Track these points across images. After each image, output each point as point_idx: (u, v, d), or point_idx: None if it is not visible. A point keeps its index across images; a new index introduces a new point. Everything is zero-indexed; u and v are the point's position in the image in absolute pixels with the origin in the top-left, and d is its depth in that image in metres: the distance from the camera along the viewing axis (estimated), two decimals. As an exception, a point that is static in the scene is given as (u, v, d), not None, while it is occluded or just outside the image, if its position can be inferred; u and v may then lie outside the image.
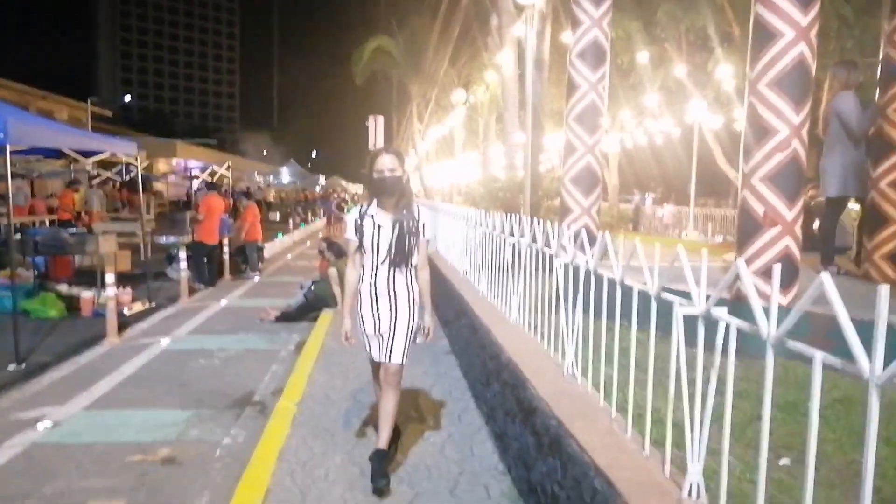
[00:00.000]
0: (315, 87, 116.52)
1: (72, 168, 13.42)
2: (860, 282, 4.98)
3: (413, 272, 3.51)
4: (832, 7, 10.98)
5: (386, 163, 3.38)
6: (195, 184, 22.72)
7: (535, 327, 3.72)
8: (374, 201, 3.46)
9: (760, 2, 3.67)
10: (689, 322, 2.01)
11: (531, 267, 3.80)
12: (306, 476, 3.60)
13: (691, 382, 2.00)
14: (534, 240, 3.60)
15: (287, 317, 8.39)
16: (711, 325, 1.90)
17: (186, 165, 23.60)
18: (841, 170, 5.16)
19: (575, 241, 3.10)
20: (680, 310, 2.00)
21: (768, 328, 1.62)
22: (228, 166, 18.49)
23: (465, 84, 21.22)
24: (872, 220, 5.01)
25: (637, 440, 2.27)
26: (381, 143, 19.36)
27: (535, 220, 3.71)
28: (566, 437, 2.31)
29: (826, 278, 1.39)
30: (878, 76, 5.14)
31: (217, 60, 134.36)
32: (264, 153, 61.44)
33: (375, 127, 19.12)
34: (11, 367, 5.82)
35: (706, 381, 1.91)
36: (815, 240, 6.25)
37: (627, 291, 2.37)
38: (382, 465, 3.44)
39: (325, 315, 8.28)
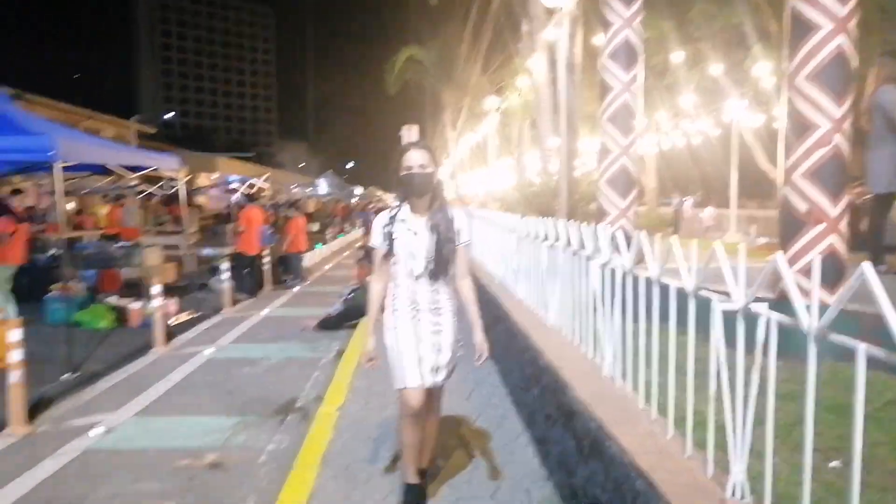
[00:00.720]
0: (350, 98, 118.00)
1: (118, 184, 13.88)
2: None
3: (452, 282, 3.17)
4: (873, -1, 10.68)
5: (415, 158, 3.03)
6: (234, 197, 23.27)
7: (574, 330, 3.70)
8: (404, 204, 3.12)
9: (796, -3, 3.61)
10: (729, 322, 1.99)
11: (568, 270, 3.79)
12: (349, 480, 3.65)
13: (733, 382, 1.97)
14: (569, 243, 3.58)
15: (327, 324, 8.53)
16: (751, 321, 1.87)
17: (226, 179, 24.16)
18: (888, 164, 5.02)
19: (611, 243, 3.08)
20: (719, 306, 1.98)
21: (809, 321, 1.59)
22: (267, 178, 18.85)
23: (497, 90, 21.26)
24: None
25: (678, 442, 2.25)
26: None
27: (571, 223, 3.71)
28: (607, 440, 2.30)
29: (868, 268, 1.36)
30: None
31: (254, 76, 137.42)
32: (301, 165, 62.46)
33: (410, 136, 19.29)
34: (65, 375, 6.03)
35: (748, 380, 1.88)
36: (864, 239, 6.06)
37: (665, 291, 2.35)
38: (418, 499, 3.26)
39: (365, 322, 8.38)
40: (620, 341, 2.82)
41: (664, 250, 2.47)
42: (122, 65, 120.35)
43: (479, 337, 3.16)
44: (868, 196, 5.84)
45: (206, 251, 12.05)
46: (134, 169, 8.02)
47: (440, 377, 3.14)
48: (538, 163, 15.91)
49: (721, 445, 2.08)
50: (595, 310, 3.20)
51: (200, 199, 31.14)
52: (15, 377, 4.77)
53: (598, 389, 2.76)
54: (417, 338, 3.07)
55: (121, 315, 8.63)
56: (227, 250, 11.47)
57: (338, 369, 6.13)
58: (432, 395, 3.21)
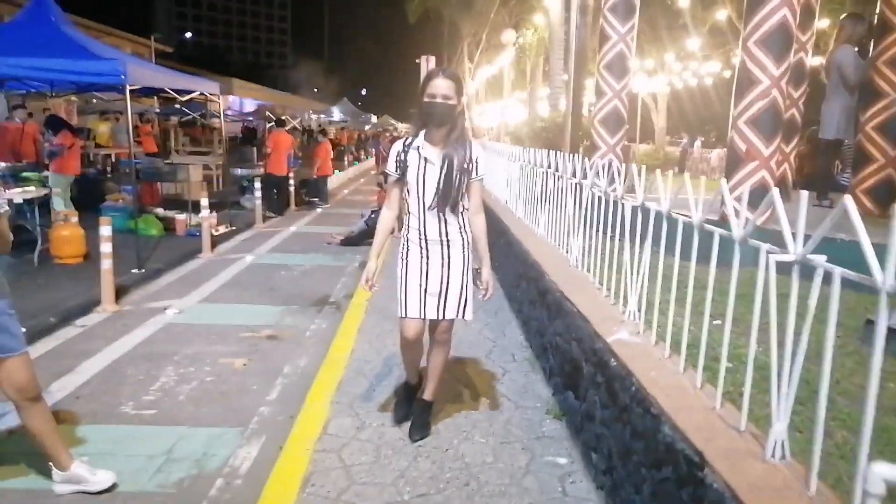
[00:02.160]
0: (366, 25, 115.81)
1: (153, 107, 14.73)
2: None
3: (465, 216, 3.06)
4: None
5: (440, 87, 2.87)
6: (252, 120, 24.04)
7: (554, 237, 4.72)
8: (422, 133, 2.99)
9: (753, -28, 4.41)
10: (687, 237, 2.55)
11: (552, 190, 4.75)
12: (380, 343, 4.77)
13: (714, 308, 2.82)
14: (556, 169, 4.54)
15: (349, 241, 9.62)
16: (705, 236, 2.22)
17: (241, 103, 24.87)
18: (838, 115, 5.86)
19: (588, 172, 4.01)
20: (681, 220, 2.38)
21: (738, 233, 2.56)
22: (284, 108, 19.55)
23: (514, 24, 21.56)
24: (857, 159, 5.74)
25: (613, 302, 3.26)
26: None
27: (561, 153, 4.64)
28: (565, 302, 3.36)
29: (776, 194, 1.69)
30: (873, 31, 5.76)
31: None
32: (315, 90, 62.27)
33: (428, 67, 19.80)
34: (134, 271, 7.16)
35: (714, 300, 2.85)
36: (809, 179, 6.98)
37: (642, 212, 3.01)
38: (424, 416, 3.29)
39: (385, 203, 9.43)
40: (583, 243, 3.83)
41: (646, 182, 2.92)
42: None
43: (486, 273, 3.09)
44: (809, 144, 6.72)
45: (238, 171, 13.01)
46: (181, 92, 8.91)
47: (447, 312, 3.07)
48: (549, 99, 16.57)
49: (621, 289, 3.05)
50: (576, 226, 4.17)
51: (215, 122, 31.86)
52: (106, 265, 5.89)
53: (565, 274, 3.80)
54: (423, 269, 3.02)
55: (167, 225, 9.72)
56: (258, 171, 12.44)
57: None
58: (438, 327, 3.14)
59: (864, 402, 1.30)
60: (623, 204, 2.99)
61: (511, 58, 21.22)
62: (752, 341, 1.82)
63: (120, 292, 6.28)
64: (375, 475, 2.90)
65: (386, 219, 3.16)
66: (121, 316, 5.77)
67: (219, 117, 27.18)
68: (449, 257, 3.04)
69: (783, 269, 1.70)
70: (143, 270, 7.24)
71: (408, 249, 3.09)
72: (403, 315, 3.10)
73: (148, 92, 8.60)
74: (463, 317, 3.13)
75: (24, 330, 2.90)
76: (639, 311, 2.79)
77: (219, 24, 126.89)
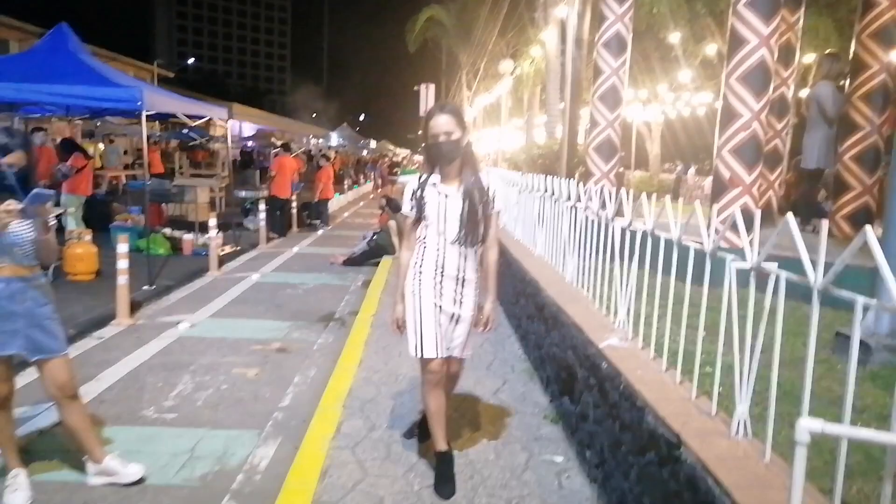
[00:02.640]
0: (365, 52, 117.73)
1: (156, 131, 15.11)
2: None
3: (479, 252, 3.02)
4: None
5: (441, 125, 2.83)
6: (250, 144, 24.47)
7: (551, 256, 5.03)
8: (435, 171, 2.96)
9: (734, 15, 4.80)
10: (668, 253, 2.85)
11: (548, 212, 5.06)
12: (387, 354, 5.04)
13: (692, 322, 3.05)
14: (552, 193, 4.86)
15: (352, 261, 9.92)
16: (684, 252, 2.46)
17: (240, 127, 25.29)
18: (818, 146, 6.23)
19: (583, 196, 4.33)
20: (663, 237, 2.65)
21: (708, 248, 2.87)
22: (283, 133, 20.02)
23: (512, 54, 22.19)
24: (836, 187, 6.09)
25: (605, 313, 3.55)
26: (431, 110, 20.51)
27: (553, 178, 4.96)
28: (561, 314, 3.65)
29: (738, 213, 2.09)
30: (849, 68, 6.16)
31: (269, 22, 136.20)
32: (314, 115, 63.06)
33: (427, 95, 20.33)
34: (146, 287, 7.42)
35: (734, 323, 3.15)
36: (794, 205, 7.34)
37: (629, 233, 3.39)
38: (450, 470, 3.05)
39: (385, 260, 9.72)
40: (577, 261, 4.14)
41: (636, 205, 3.31)
42: (137, 7, 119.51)
43: (488, 306, 3.04)
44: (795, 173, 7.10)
45: (241, 193, 13.33)
46: (191, 117, 9.27)
47: (455, 350, 3.04)
48: (545, 127, 17.04)
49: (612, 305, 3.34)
50: (571, 247, 4.48)
51: (217, 146, 32.33)
52: (122, 280, 6.16)
53: (560, 289, 4.09)
54: (437, 305, 2.93)
55: (175, 244, 10.00)
56: (262, 193, 12.77)
57: (368, 291, 7.51)
58: (451, 366, 3.13)
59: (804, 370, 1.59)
60: (612, 225, 3.30)
61: (508, 87, 21.80)
62: (719, 344, 2.12)
63: (133, 307, 6.53)
64: (387, 469, 3.16)
65: (406, 261, 3.04)
66: (136, 329, 6.02)
67: (219, 141, 27.69)
68: (462, 295, 2.96)
69: (748, 281, 1.99)
70: (155, 287, 7.50)
71: (420, 283, 2.96)
72: (422, 355, 2.93)
73: (154, 116, 8.93)
74: (465, 354, 3.14)
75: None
76: (627, 320, 3.08)
77: (219, 50, 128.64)
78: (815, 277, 1.63)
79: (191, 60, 76.44)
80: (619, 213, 3.37)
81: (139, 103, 7.09)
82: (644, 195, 3.00)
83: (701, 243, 2.37)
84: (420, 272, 2.97)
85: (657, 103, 21.75)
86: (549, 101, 15.17)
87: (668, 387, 2.35)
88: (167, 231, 10.31)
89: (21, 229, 2.87)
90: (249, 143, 25.56)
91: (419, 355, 2.96)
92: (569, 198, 4.33)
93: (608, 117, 6.97)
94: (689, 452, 1.89)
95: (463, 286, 2.96)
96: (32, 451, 3.44)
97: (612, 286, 3.30)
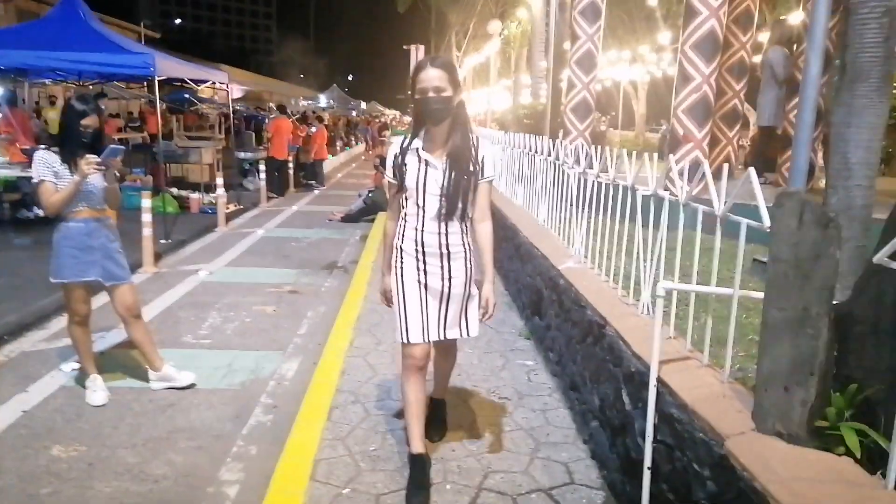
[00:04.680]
0: (352, 11, 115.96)
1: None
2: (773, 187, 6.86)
3: (469, 224, 2.72)
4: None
5: (431, 79, 2.52)
6: (237, 107, 24.78)
7: (528, 202, 5.77)
8: (421, 132, 2.65)
9: (689, -10, 5.46)
10: (645, 202, 3.73)
11: (526, 166, 5.78)
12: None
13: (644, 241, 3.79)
14: (531, 150, 5.57)
15: (349, 218, 10.63)
16: (659, 202, 2.72)
17: (230, 89, 25.52)
18: (770, 105, 6.94)
19: (560, 153, 5.03)
20: (640, 192, 3.70)
21: (681, 198, 3.61)
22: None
23: (500, 15, 22.51)
24: (782, 142, 6.81)
25: (573, 250, 4.31)
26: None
27: (542, 138, 5.64)
28: (534, 248, 4.42)
29: (753, 175, 3.13)
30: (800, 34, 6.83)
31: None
32: (301, 76, 62.65)
33: (416, 56, 20.71)
34: (162, 241, 8.12)
35: (654, 241, 3.84)
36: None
37: (582, 180, 4.18)
38: (441, 415, 3.16)
39: (381, 217, 10.43)
40: (548, 204, 4.88)
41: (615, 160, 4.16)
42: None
43: (487, 288, 2.77)
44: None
45: (241, 154, 13.92)
46: (197, 81, 9.83)
47: (448, 332, 2.76)
48: (531, 88, 17.59)
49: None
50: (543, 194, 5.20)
51: (205, 108, 32.49)
52: (147, 232, 6.87)
53: (534, 230, 4.85)
54: (421, 284, 2.69)
55: (182, 203, 10.66)
56: (261, 155, 13.37)
57: (366, 243, 8.26)
58: (440, 346, 2.93)
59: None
60: (568, 174, 4.03)
61: (497, 47, 22.18)
62: (639, 258, 2.88)
63: (155, 257, 7.24)
64: (391, 370, 3.96)
65: (391, 232, 2.79)
66: (161, 276, 6.75)
67: (208, 103, 27.88)
68: (450, 270, 2.68)
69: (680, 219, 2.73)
70: (171, 241, 8.21)
71: (402, 262, 2.71)
72: (406, 340, 2.70)
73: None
74: (467, 334, 2.84)
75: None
76: (581, 249, 3.85)
77: (203, 9, 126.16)
78: (719, 207, 2.32)
79: (178, 21, 75.22)
80: (590, 166, 4.07)
81: (151, 69, 7.69)
82: (616, 151, 3.57)
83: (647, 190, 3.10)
84: (401, 250, 2.71)
85: (642, 64, 22.22)
86: (533, 62, 15.71)
87: (605, 291, 3.12)
88: (174, 191, 10.95)
89: (95, 178, 3.58)
90: (237, 106, 25.82)
91: (405, 340, 2.70)
92: (540, 153, 5.05)
93: (584, 80, 7.64)
94: (610, 328, 2.67)
95: (449, 261, 2.67)
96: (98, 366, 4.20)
97: (572, 225, 4.05)
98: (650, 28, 19.72)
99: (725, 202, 2.12)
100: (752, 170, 2.02)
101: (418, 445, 2.77)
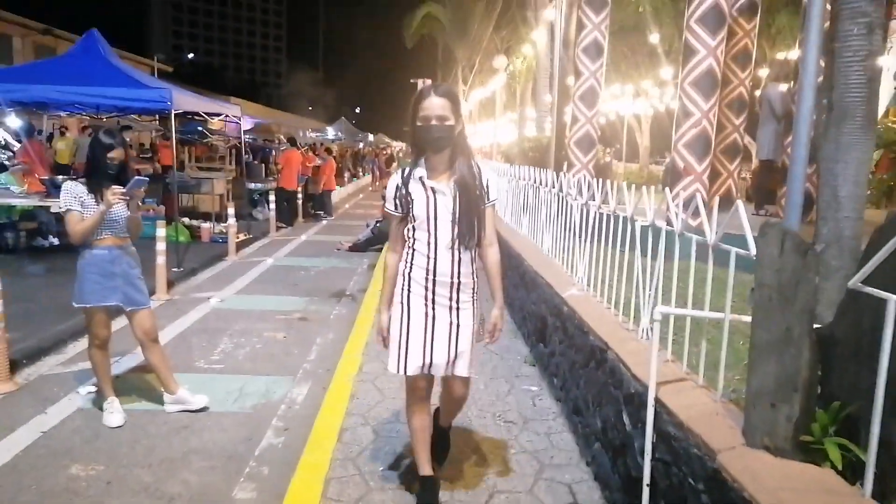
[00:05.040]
0: (361, 45, 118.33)
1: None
2: (774, 219, 7.00)
3: (475, 253, 2.68)
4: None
5: (434, 107, 2.52)
6: (247, 138, 25.23)
7: (532, 232, 5.92)
8: (421, 161, 2.62)
9: (687, 29, 5.68)
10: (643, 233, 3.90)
11: (531, 197, 5.94)
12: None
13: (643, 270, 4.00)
14: (535, 182, 5.75)
15: (357, 248, 10.80)
16: (656, 232, 2.91)
17: (235, 120, 26.03)
18: (769, 139, 7.12)
19: (564, 185, 5.19)
20: (639, 224, 3.74)
21: (678, 229, 3.76)
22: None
23: (506, 50, 23.05)
24: (782, 174, 6.96)
25: (576, 279, 4.44)
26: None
27: (546, 170, 5.82)
28: (538, 277, 4.55)
29: (668, 197, 3.34)
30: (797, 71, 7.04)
31: (265, 14, 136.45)
32: (310, 109, 63.63)
33: (423, 90, 21.15)
34: (174, 269, 8.29)
35: (653, 271, 3.98)
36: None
37: (585, 211, 4.37)
38: (433, 496, 2.84)
39: (388, 247, 10.62)
40: (552, 235, 5.03)
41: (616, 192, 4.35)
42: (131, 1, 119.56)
43: (496, 313, 2.76)
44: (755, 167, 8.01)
45: (251, 185, 14.18)
46: (211, 115, 10.12)
47: (458, 368, 2.69)
48: (536, 122, 17.93)
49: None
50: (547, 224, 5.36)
51: (214, 141, 33.02)
52: (160, 260, 7.04)
53: (539, 259, 4.99)
54: (429, 315, 2.65)
55: (193, 232, 10.86)
56: (271, 185, 13.63)
57: (374, 272, 8.40)
58: (453, 386, 2.81)
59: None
60: (572, 205, 4.19)
61: (502, 82, 22.64)
62: (639, 285, 3.02)
63: (168, 285, 7.40)
64: (399, 394, 4.06)
65: (393, 264, 2.74)
66: (174, 303, 6.90)
67: (220, 135, 28.38)
68: (458, 302, 2.65)
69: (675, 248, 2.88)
70: (182, 269, 8.38)
71: (409, 291, 2.67)
72: (404, 372, 2.68)
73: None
74: (469, 373, 2.76)
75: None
76: (584, 277, 3.98)
77: (214, 42, 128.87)
78: (711, 237, 2.46)
79: (190, 55, 76.92)
80: (592, 198, 4.22)
81: (168, 103, 7.95)
82: (617, 183, 3.71)
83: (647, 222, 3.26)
84: (409, 279, 2.66)
85: (645, 98, 22.59)
86: (538, 97, 16.05)
87: (606, 317, 3.25)
88: (185, 220, 11.17)
89: (119, 208, 3.75)
90: (246, 137, 26.27)
91: (400, 371, 2.68)
92: (544, 185, 5.22)
93: (587, 114, 7.86)
94: (612, 352, 2.79)
95: (459, 291, 2.64)
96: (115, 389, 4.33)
97: (575, 254, 4.20)
98: (653, 63, 20.11)
99: (716, 232, 2.25)
100: (739, 202, 2.16)
101: (426, 469, 2.84)
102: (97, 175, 3.73)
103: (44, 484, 3.16)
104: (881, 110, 6.69)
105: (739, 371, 2.85)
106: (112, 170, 3.70)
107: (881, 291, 1.50)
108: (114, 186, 3.63)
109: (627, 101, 23.24)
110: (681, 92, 5.81)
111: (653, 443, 2.23)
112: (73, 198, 3.67)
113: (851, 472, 1.69)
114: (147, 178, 3.82)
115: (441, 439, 3.10)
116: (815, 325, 1.84)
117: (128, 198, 3.70)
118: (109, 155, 3.70)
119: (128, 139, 11.20)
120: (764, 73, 11.44)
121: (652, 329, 2.36)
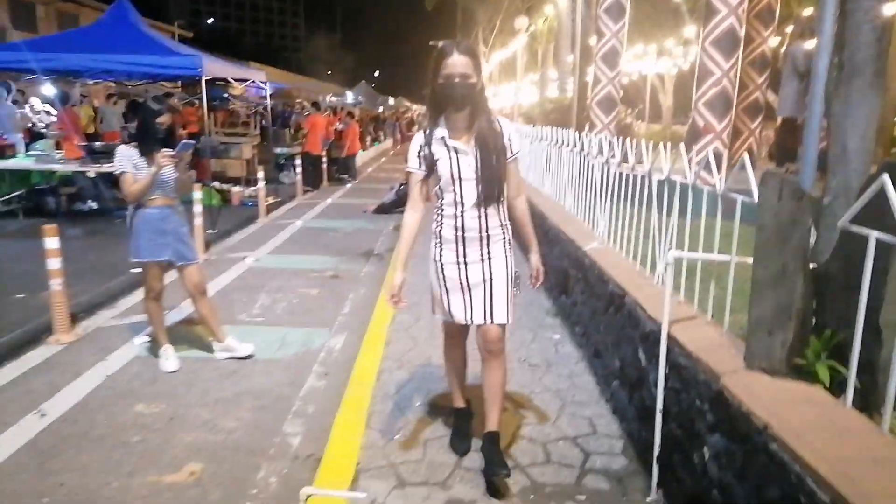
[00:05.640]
0: (378, 7, 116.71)
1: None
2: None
3: (504, 205, 2.76)
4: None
5: (457, 65, 2.53)
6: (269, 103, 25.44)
7: (555, 192, 6.12)
8: (441, 120, 2.66)
9: (708, -12, 5.75)
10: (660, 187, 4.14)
11: (554, 156, 6.13)
12: (423, 275, 6.22)
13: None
14: (557, 142, 5.92)
15: (382, 210, 11.06)
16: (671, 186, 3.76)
17: (258, 86, 26.23)
18: (791, 97, 7.16)
19: (585, 144, 5.36)
20: (654, 177, 3.98)
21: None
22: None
23: (527, 10, 22.77)
24: (803, 132, 7.03)
25: (598, 234, 4.65)
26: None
27: (562, 130, 5.99)
28: (561, 233, 4.78)
29: (747, 160, 3.47)
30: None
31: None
32: (328, 73, 63.35)
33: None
34: (209, 231, 8.64)
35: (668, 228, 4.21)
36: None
37: (605, 169, 4.58)
38: (496, 452, 2.76)
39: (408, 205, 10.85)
40: (574, 194, 5.23)
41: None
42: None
43: (535, 258, 2.88)
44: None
45: (277, 150, 14.46)
46: (238, 80, 10.36)
47: (496, 315, 2.74)
48: (557, 83, 17.85)
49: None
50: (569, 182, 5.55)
51: (235, 106, 33.20)
52: (198, 221, 7.37)
53: (562, 216, 5.21)
54: (462, 269, 2.73)
55: (224, 196, 11.21)
56: (296, 150, 13.89)
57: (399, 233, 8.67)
58: (489, 335, 2.77)
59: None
60: (592, 164, 4.38)
61: (524, 43, 22.44)
62: (656, 235, 3.23)
63: (205, 245, 7.75)
64: (431, 342, 4.36)
65: (411, 223, 2.82)
66: (212, 262, 7.24)
67: (241, 100, 28.50)
68: (489, 254, 2.71)
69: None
70: (217, 231, 8.72)
71: (441, 248, 2.77)
72: (449, 318, 2.83)
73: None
74: (507, 321, 2.81)
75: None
76: (605, 232, 4.21)
77: (232, 7, 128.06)
78: (720, 186, 2.67)
79: (210, 20, 76.68)
80: (613, 156, 4.42)
81: (199, 70, 8.19)
82: (628, 142, 3.93)
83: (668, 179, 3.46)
84: (440, 237, 2.76)
85: (668, 57, 22.28)
86: (559, 58, 15.97)
87: (624, 266, 3.48)
88: (216, 185, 11.51)
89: (169, 170, 4.03)
90: (269, 102, 26.46)
91: (449, 318, 2.83)
92: (566, 145, 5.40)
93: (609, 75, 7.95)
94: (629, 297, 3.03)
95: (489, 244, 2.71)
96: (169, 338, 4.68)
97: (596, 211, 4.41)
98: (676, 22, 19.79)
99: (724, 181, 2.46)
100: (745, 156, 2.36)
101: (460, 401, 3.10)
102: (147, 139, 4.01)
103: (114, 419, 3.51)
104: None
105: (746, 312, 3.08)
106: (161, 134, 3.98)
107: (864, 228, 1.71)
108: (164, 149, 3.91)
109: (650, 61, 22.95)
110: (701, 51, 5.89)
111: (665, 373, 2.49)
112: (127, 160, 3.96)
113: (840, 390, 1.93)
114: (194, 142, 4.10)
115: (491, 446, 2.78)
116: (813, 265, 2.06)
117: (176, 160, 3.97)
118: (158, 120, 3.97)
119: (178, 105, 11.48)
120: (790, 30, 11.32)
121: (666, 272, 2.59)
